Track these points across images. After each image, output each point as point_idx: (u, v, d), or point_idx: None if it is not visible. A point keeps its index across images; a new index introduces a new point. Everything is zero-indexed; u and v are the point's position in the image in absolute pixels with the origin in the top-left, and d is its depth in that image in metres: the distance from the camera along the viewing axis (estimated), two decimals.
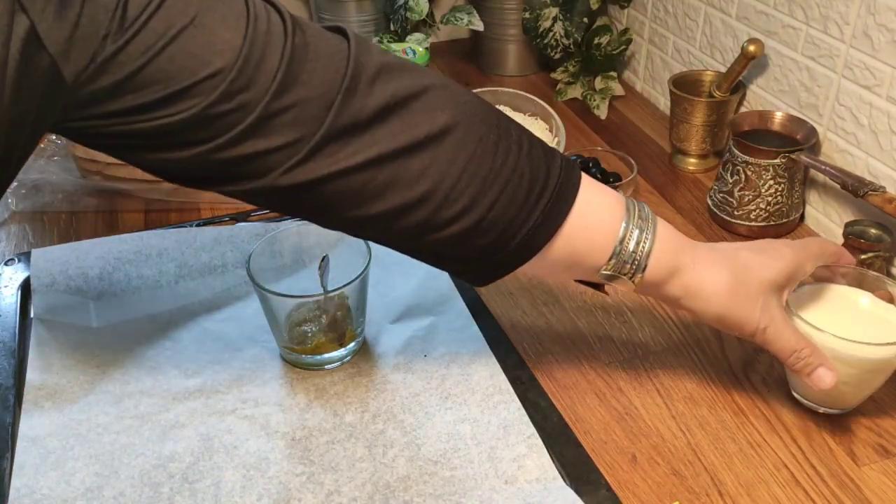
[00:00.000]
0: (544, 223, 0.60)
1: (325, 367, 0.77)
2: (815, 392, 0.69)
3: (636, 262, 0.62)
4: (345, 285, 0.73)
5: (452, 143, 0.57)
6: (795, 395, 0.74)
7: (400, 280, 0.86)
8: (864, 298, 0.72)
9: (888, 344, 0.65)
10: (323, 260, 0.76)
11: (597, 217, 0.62)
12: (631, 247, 0.61)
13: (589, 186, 0.62)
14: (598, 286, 0.69)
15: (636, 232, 0.61)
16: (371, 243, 0.74)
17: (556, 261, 0.63)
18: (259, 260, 0.76)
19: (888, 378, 0.69)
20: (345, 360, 0.78)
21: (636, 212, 0.62)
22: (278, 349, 0.78)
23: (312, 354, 0.76)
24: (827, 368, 0.65)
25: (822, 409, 0.72)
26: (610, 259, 0.62)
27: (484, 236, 0.60)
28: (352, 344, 0.78)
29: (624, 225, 0.61)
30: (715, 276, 0.64)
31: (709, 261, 0.64)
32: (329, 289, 0.74)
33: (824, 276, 0.73)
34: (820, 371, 0.65)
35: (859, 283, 0.73)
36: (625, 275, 0.63)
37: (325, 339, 0.76)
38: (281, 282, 0.79)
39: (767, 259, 0.66)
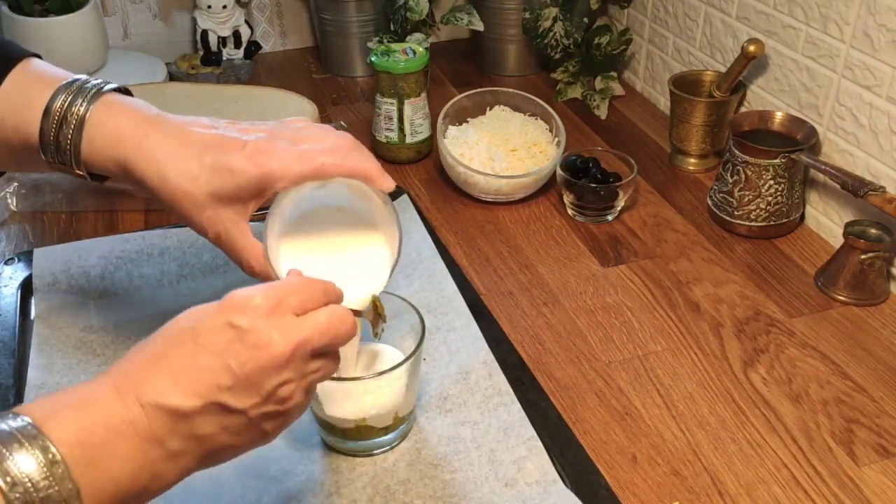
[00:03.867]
0: None
1: (374, 452, 0.70)
2: None
3: (68, 152, 0.61)
4: (395, 366, 0.65)
5: None
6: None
7: (403, 282, 0.86)
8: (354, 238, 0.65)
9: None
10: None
11: (25, 97, 0.62)
12: (58, 136, 0.61)
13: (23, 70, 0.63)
14: (97, 178, 0.66)
15: (61, 121, 0.61)
16: (423, 314, 0.68)
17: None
18: None
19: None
20: (394, 444, 0.70)
21: (66, 100, 0.61)
22: None
23: (355, 440, 0.69)
24: None
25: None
26: (40, 142, 0.61)
27: None
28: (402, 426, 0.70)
29: (44, 115, 0.61)
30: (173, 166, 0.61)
31: (161, 153, 0.61)
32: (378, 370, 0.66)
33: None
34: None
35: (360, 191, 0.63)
36: (64, 164, 0.62)
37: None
38: None
39: (219, 170, 0.61)
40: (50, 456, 0.42)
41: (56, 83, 0.62)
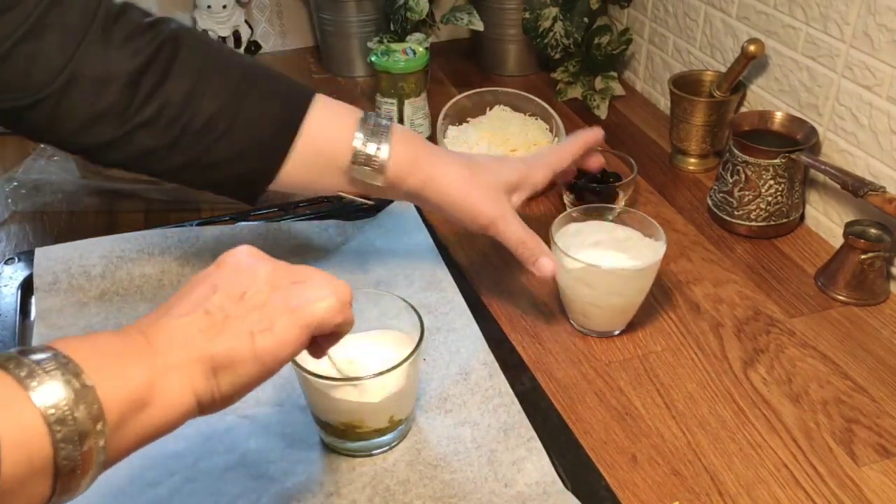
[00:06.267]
0: (282, 129, 0.71)
1: (374, 452, 0.70)
2: (583, 317, 0.81)
3: (376, 162, 0.73)
4: (393, 367, 0.65)
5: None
6: (574, 324, 0.83)
7: (403, 282, 0.86)
8: (621, 231, 0.82)
9: (613, 269, 0.76)
10: None
11: (333, 125, 0.73)
12: (369, 150, 0.72)
13: (324, 103, 0.74)
14: (363, 198, 0.78)
15: (371, 139, 0.72)
16: (422, 315, 0.69)
17: (306, 162, 0.73)
18: None
19: (637, 301, 0.80)
20: (393, 444, 0.70)
21: (371, 122, 0.73)
22: None
23: (353, 440, 0.69)
24: (548, 258, 0.76)
25: (594, 333, 0.82)
26: (352, 160, 0.72)
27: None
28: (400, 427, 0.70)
29: (357, 134, 0.73)
30: (452, 167, 0.75)
31: (447, 157, 0.76)
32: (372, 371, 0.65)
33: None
34: (542, 259, 0.75)
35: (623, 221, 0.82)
36: (368, 172, 0.73)
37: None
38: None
39: (501, 163, 0.79)
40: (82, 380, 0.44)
41: (352, 122, 0.73)
